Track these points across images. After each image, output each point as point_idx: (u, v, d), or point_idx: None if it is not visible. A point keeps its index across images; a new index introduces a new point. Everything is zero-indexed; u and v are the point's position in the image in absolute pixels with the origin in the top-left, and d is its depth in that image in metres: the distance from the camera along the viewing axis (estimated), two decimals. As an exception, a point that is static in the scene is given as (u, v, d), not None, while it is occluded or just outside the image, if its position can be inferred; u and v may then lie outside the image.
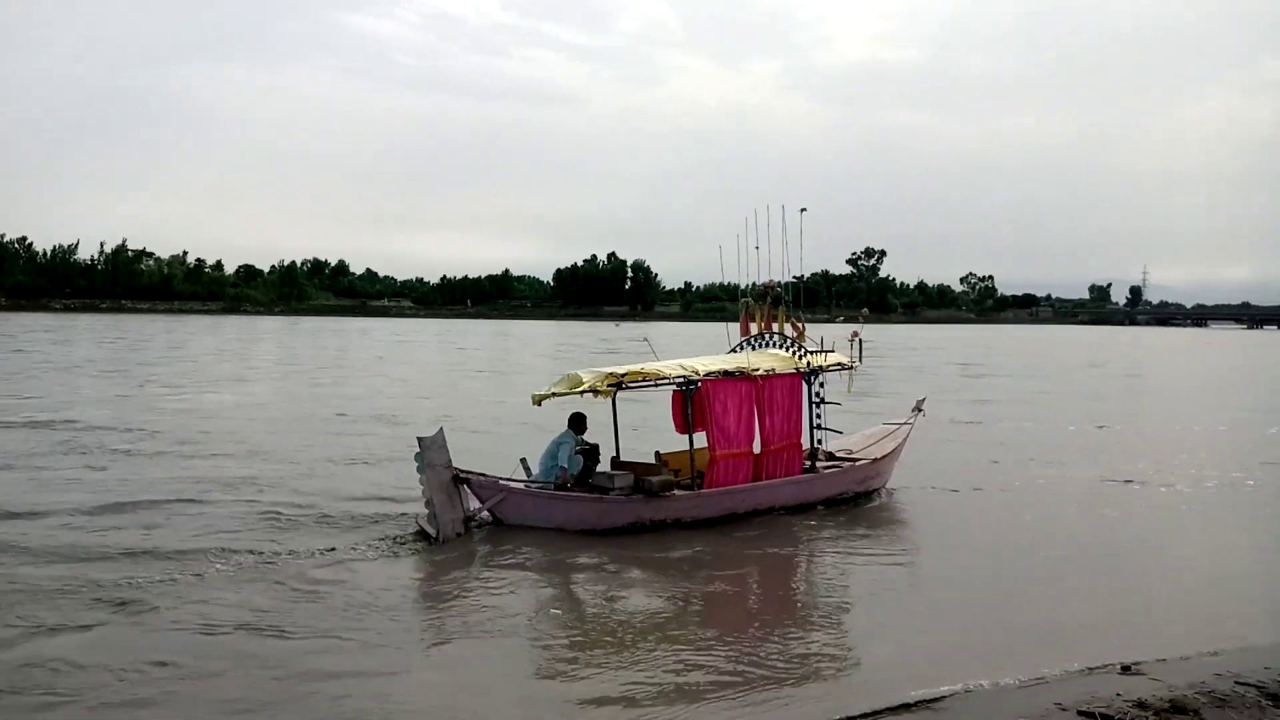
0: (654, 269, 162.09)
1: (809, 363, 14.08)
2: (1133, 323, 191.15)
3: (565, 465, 12.16)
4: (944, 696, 7.01)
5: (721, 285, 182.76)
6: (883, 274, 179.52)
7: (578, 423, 12.70)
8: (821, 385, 14.49)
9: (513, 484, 12.02)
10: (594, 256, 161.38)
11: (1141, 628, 8.95)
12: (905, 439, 15.32)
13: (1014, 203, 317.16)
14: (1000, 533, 12.85)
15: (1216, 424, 25.65)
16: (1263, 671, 7.42)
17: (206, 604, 8.85)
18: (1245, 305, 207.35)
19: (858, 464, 14.55)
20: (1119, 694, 6.89)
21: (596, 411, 13.09)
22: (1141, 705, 6.63)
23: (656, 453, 13.42)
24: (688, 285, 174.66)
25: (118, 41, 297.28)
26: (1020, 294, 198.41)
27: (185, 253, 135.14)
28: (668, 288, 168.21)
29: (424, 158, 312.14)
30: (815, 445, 14.49)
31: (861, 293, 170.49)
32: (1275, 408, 31.38)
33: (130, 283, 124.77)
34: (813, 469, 14.02)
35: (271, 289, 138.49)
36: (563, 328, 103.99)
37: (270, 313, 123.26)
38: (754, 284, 15.18)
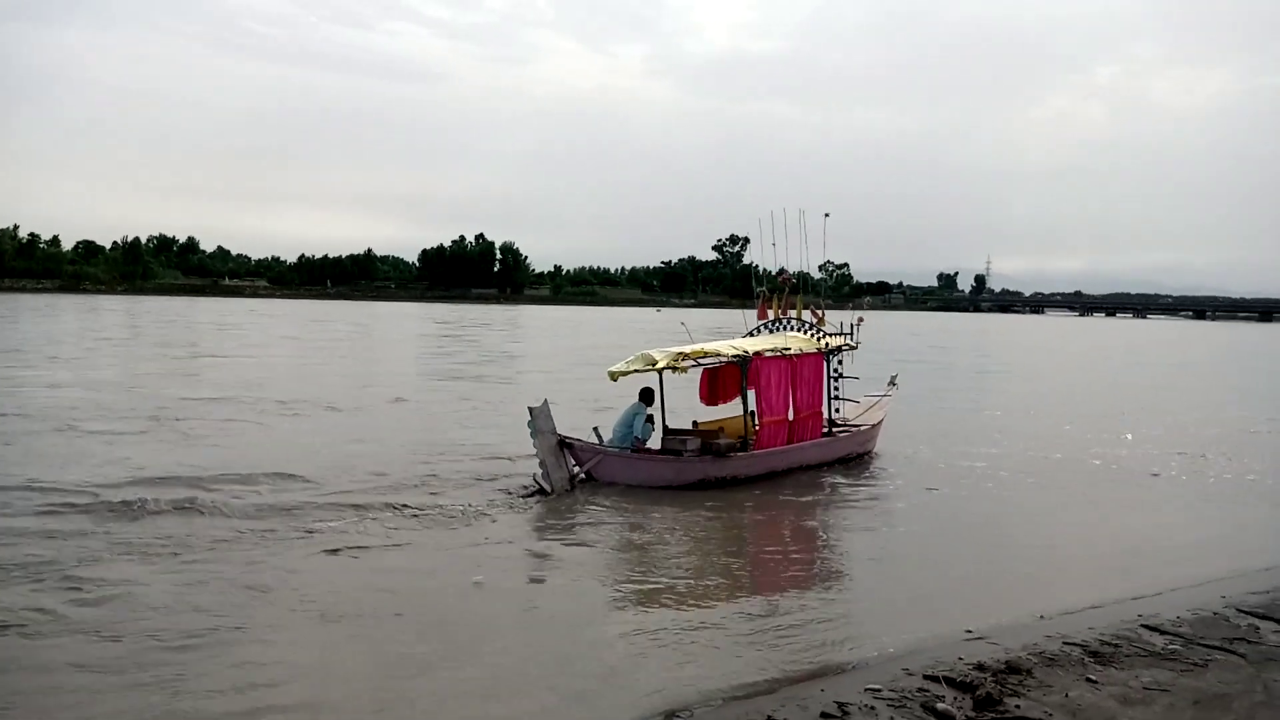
0: (523, 251, 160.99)
1: (827, 344, 16.39)
2: (977, 309, 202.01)
3: (639, 435, 14.31)
4: (803, 674, 7.42)
5: (590, 270, 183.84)
6: (746, 260, 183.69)
7: (648, 396, 14.77)
8: (840, 363, 17.04)
9: (606, 449, 14.00)
10: (462, 238, 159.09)
11: (990, 593, 9.68)
12: (887, 409, 18.11)
13: (869, 193, 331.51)
14: (934, 503, 14.07)
15: (1086, 408, 27.52)
16: (1087, 631, 8.12)
17: (402, 548, 10.62)
18: (1078, 294, 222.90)
19: (861, 429, 17.10)
20: (960, 658, 7.41)
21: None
22: (981, 667, 7.15)
23: (694, 421, 15.52)
24: (558, 268, 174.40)
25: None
26: (874, 281, 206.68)
27: (16, 226, 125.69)
28: (537, 270, 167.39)
29: (281, 131, 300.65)
30: (833, 414, 16.91)
31: (727, 278, 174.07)
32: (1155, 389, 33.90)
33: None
34: (830, 434, 16.48)
35: (114, 267, 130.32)
36: (431, 310, 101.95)
37: (112, 292, 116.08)
38: (770, 274, 17.48)
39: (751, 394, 15.00)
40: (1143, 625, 8.36)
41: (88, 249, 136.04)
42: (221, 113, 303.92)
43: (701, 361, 14.69)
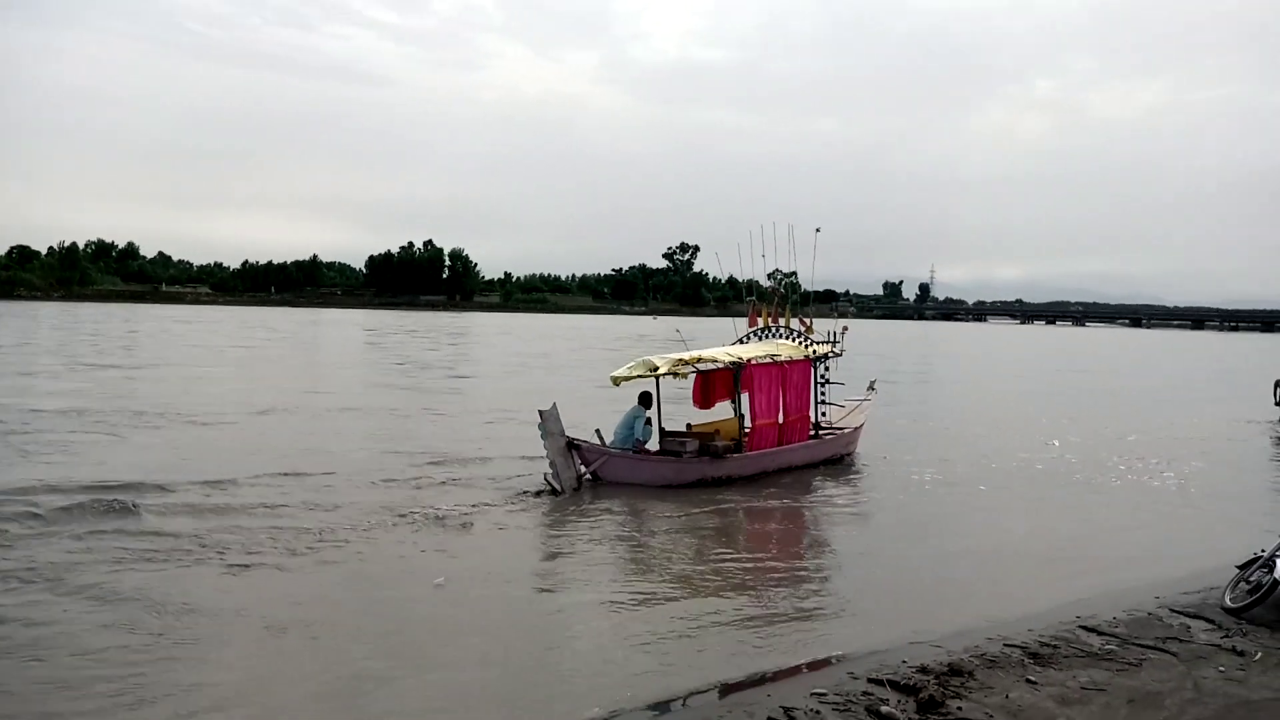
0: (472, 258, 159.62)
1: (814, 351, 17.32)
2: (921, 317, 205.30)
3: (640, 437, 15.09)
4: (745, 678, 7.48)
5: (541, 277, 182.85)
6: (696, 268, 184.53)
7: (647, 400, 15.39)
8: (827, 369, 17.93)
9: (611, 450, 14.68)
10: (410, 244, 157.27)
11: (938, 595, 9.86)
12: (867, 414, 19.08)
13: (816, 201, 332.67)
14: (896, 506, 14.53)
15: (1032, 413, 28.02)
16: (1027, 633, 8.28)
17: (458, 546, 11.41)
18: (1019, 302, 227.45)
19: (844, 433, 18.00)
20: (905, 661, 7.52)
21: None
22: (924, 670, 7.26)
23: (688, 424, 16.35)
24: (507, 275, 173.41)
25: None
26: (822, 289, 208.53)
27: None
28: (487, 277, 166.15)
29: (224, 134, 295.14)
30: (820, 417, 17.79)
31: (677, 286, 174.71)
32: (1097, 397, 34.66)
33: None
34: (816, 436, 17.38)
35: (50, 273, 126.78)
36: (376, 317, 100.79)
37: (48, 298, 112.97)
38: (758, 284, 18.96)
39: (745, 398, 15.82)
40: (1080, 626, 8.55)
41: (22, 254, 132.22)
42: (161, 115, 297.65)
43: (698, 367, 15.56)
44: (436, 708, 6.86)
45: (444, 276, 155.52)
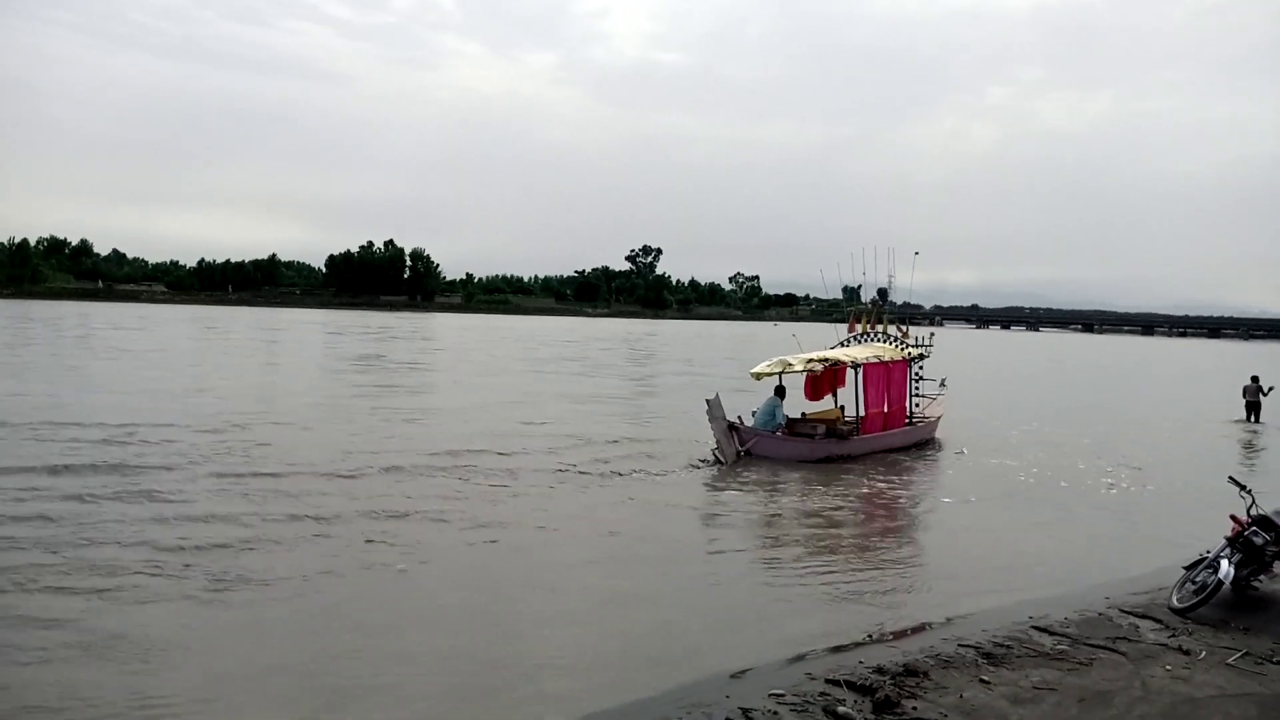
0: (433, 258, 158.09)
1: (909, 354, 20.82)
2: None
3: (781, 422, 18.40)
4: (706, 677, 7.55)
5: (503, 278, 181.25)
6: (659, 271, 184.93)
7: (781, 392, 18.74)
8: (921, 369, 21.54)
9: (760, 431, 17.89)
10: (370, 244, 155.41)
11: (895, 599, 9.93)
12: (944, 407, 22.62)
13: (775, 205, 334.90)
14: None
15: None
16: (980, 634, 8.42)
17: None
18: (974, 307, 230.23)
19: (930, 421, 21.61)
20: (861, 661, 7.62)
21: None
22: (880, 670, 7.36)
23: (803, 413, 19.68)
24: (469, 276, 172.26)
25: None
26: (783, 293, 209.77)
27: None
28: (448, 278, 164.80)
29: (180, 130, 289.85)
30: (914, 408, 21.33)
31: (640, 289, 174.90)
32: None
33: None
34: (911, 424, 20.84)
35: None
36: (337, 317, 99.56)
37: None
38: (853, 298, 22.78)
39: (856, 392, 19.11)
40: (1033, 627, 8.71)
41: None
42: (113, 110, 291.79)
43: (824, 365, 18.65)
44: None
45: (405, 276, 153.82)
